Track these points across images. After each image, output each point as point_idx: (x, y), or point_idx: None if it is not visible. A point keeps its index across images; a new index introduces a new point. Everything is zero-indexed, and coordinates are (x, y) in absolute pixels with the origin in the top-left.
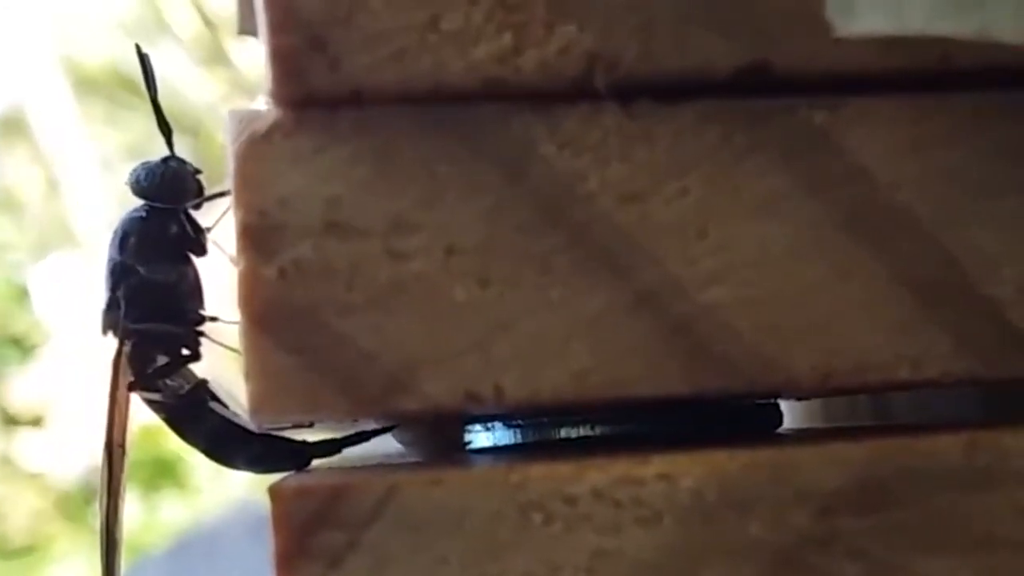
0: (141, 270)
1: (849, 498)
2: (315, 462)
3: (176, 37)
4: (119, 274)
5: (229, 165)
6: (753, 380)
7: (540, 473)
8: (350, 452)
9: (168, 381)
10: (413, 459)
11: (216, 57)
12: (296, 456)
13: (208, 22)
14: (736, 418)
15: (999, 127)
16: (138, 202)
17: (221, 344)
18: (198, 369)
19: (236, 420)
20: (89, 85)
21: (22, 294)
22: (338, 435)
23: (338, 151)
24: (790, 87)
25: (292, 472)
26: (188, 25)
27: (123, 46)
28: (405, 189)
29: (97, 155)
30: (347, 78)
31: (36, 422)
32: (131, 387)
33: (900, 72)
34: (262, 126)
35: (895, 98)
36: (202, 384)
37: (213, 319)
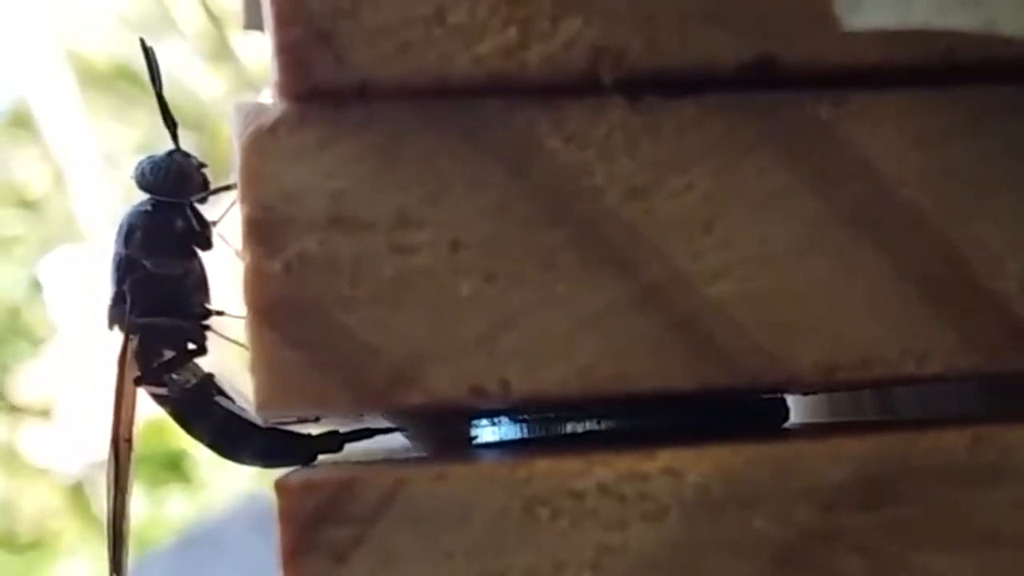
0: (147, 264)
1: (853, 493)
2: (321, 457)
3: (181, 32)
4: (125, 268)
5: (235, 159)
6: (758, 375)
7: (546, 468)
8: (355, 447)
9: (174, 375)
10: (419, 454)
11: (221, 52)
12: (302, 450)
13: (213, 17)
14: (742, 413)
15: (1004, 122)
16: (143, 196)
17: (227, 338)
18: (204, 363)
19: (242, 414)
20: (95, 80)
21: (30, 288)
22: (344, 429)
23: (343, 145)
24: (795, 82)
25: (298, 466)
26: (193, 20)
27: (129, 41)
28: (410, 184)
29: (103, 150)
30: (353, 71)
31: (43, 415)
32: (137, 381)
33: (906, 67)
34: (268, 120)
35: (900, 93)
36: (208, 378)
37: (219, 313)
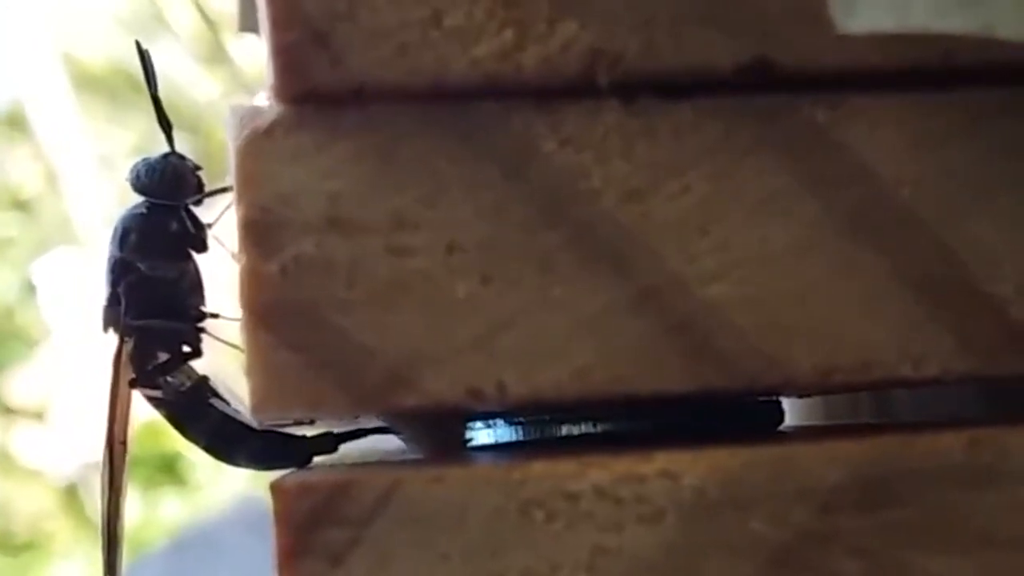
0: (142, 267)
1: (850, 495)
2: (317, 458)
3: (176, 34)
4: (119, 271)
5: (231, 161)
6: (754, 377)
7: (542, 470)
8: (351, 449)
9: (169, 378)
10: (414, 456)
11: (216, 54)
12: (297, 452)
13: (208, 19)
14: (738, 415)
15: (1001, 124)
16: (138, 198)
17: (222, 340)
18: (199, 366)
19: (237, 417)
20: (89, 82)
21: (23, 289)
22: (339, 431)
23: (340, 147)
24: (792, 84)
25: (294, 469)
26: (188, 22)
27: (124, 43)
28: (407, 186)
29: (98, 152)
30: (349, 74)
31: (37, 417)
32: (132, 384)
33: (902, 69)
34: (264, 122)
35: (897, 95)
36: (203, 381)
37: (214, 316)
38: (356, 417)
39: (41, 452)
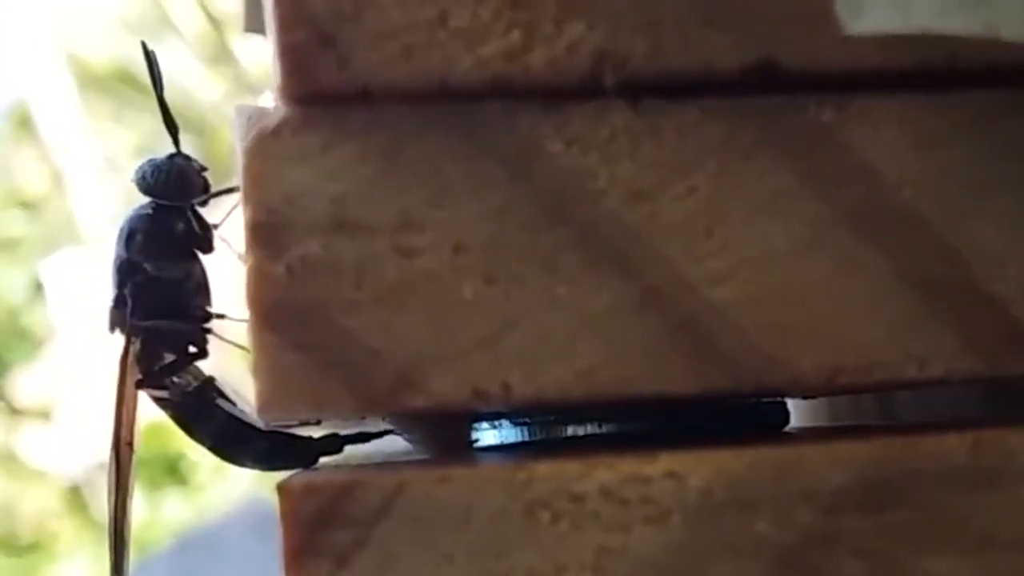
0: (148, 267)
1: (854, 497)
2: (322, 459)
3: (181, 35)
4: (126, 272)
5: (237, 162)
6: (759, 378)
7: (547, 471)
8: (357, 450)
9: (175, 378)
10: (420, 457)
11: (221, 55)
12: (303, 453)
13: (213, 20)
14: (743, 416)
15: (1005, 125)
16: (145, 199)
17: (228, 341)
18: (205, 366)
19: (243, 417)
20: (95, 83)
21: (30, 290)
22: (345, 432)
23: (346, 148)
24: (797, 85)
25: (300, 469)
26: (193, 23)
27: (128, 44)
28: (413, 187)
29: (102, 152)
30: (355, 75)
31: (43, 417)
32: (139, 384)
33: (906, 70)
34: (270, 123)
35: (902, 96)
36: (209, 381)
37: (220, 316)
38: (362, 418)
39: (46, 452)
